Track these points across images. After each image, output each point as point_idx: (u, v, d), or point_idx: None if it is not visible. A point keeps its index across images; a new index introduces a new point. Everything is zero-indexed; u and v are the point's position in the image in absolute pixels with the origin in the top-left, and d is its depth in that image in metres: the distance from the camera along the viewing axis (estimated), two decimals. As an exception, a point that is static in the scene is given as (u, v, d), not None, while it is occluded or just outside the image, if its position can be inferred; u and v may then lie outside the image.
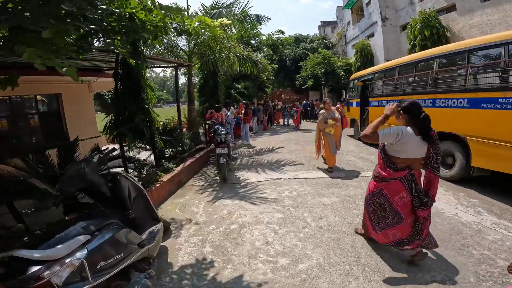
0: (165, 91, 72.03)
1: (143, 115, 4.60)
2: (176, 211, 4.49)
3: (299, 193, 4.98)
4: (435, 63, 5.62)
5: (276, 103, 17.79)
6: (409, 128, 2.53)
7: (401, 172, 2.57)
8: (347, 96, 11.73)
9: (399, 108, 2.61)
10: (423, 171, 2.69)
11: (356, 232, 3.40)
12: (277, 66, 21.76)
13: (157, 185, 4.72)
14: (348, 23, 24.99)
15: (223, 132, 6.27)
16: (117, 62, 4.58)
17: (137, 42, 3.95)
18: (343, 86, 20.28)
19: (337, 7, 37.55)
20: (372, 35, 19.15)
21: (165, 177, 5.10)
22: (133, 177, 2.84)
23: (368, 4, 19.19)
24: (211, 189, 5.47)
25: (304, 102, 20.01)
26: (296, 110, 15.24)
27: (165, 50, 9.13)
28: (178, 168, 5.80)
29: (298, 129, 14.39)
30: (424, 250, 2.69)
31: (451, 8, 12.61)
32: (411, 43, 12.76)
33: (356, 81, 10.51)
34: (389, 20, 17.51)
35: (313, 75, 21.27)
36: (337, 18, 34.73)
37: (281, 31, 18.99)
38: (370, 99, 8.94)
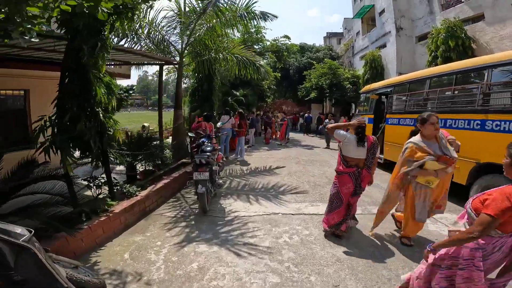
0: (165, 95, 71.18)
1: (90, 121, 3.35)
2: (125, 256, 3.22)
3: (302, 238, 3.71)
4: (486, 74, 4.46)
5: (276, 114, 16.62)
6: (353, 136, 3.49)
7: (351, 168, 3.49)
8: (357, 110, 10.59)
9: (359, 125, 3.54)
10: None
11: (325, 229, 3.89)
12: (279, 74, 20.77)
13: (103, 218, 3.45)
14: (357, 33, 24.18)
15: (208, 149, 5.04)
16: (69, 51, 3.38)
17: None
18: (348, 99, 19.25)
19: (344, 18, 37.32)
20: (384, 46, 18.23)
21: (119, 207, 3.82)
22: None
23: (381, 13, 18.36)
24: (183, 224, 4.19)
25: (306, 115, 18.92)
26: (281, 124, 13.96)
27: (154, 46, 7.95)
28: (144, 193, 4.53)
29: (283, 145, 13.16)
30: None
31: (477, 18, 11.67)
32: (432, 54, 11.75)
33: (370, 94, 9.38)
34: (404, 30, 16.60)
35: (317, 86, 20.25)
36: (345, 28, 34.23)
37: (287, 37, 18.02)
38: (387, 116, 7.77)
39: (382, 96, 9.14)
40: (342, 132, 3.55)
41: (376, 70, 17.09)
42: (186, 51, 8.49)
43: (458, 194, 4.95)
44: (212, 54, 8.36)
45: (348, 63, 25.25)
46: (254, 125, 14.14)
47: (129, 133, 6.67)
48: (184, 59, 8.50)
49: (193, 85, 10.54)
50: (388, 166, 7.94)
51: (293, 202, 5.14)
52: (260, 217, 4.45)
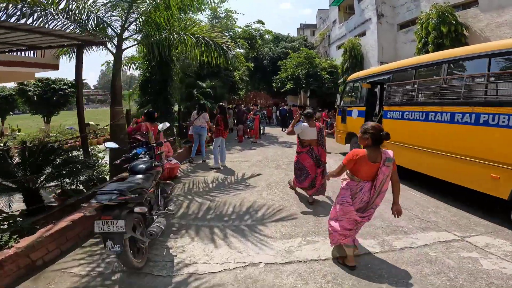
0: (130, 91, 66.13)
1: None
2: None
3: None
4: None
5: (250, 107, 14.89)
6: (305, 123, 4.69)
7: (306, 148, 4.73)
8: (341, 102, 9.21)
9: (302, 114, 4.92)
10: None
11: (289, 187, 5.45)
12: (252, 65, 19.06)
13: None
14: (334, 22, 23.13)
15: (140, 166, 3.34)
16: None
17: None
18: (326, 90, 18.09)
19: (318, 9, 36.35)
20: (363, 34, 17.20)
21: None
22: None
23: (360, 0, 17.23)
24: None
25: (281, 107, 17.39)
26: (253, 118, 12.30)
27: (76, 25, 5.82)
28: (25, 242, 2.69)
29: (256, 143, 11.58)
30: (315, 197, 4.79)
31: (468, 5, 10.78)
32: (422, 41, 10.69)
33: (359, 83, 8.01)
34: (385, 18, 15.61)
35: (293, 76, 18.86)
36: (320, 18, 33.24)
37: (260, 22, 16.17)
38: (385, 108, 6.41)
39: (379, 85, 7.83)
40: (298, 126, 4.67)
41: (355, 59, 16.00)
42: (127, 32, 6.54)
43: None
44: (165, 35, 6.48)
45: (324, 53, 24.15)
46: (241, 121, 12.36)
47: (29, 142, 4.61)
48: (126, 42, 6.54)
49: (143, 75, 8.50)
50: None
51: (279, 239, 3.54)
52: (231, 274, 2.81)
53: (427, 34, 10.39)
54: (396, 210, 2.77)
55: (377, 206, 2.81)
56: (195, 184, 5.84)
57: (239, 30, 15.79)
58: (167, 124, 4.40)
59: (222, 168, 7.07)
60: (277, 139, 12.70)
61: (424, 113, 5.20)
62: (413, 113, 5.48)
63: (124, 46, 6.48)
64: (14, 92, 19.89)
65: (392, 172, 2.68)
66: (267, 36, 18.86)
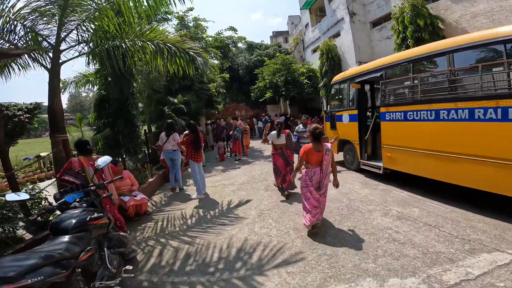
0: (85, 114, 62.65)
1: None
2: None
3: None
4: None
5: (229, 121, 13.93)
6: (274, 132, 5.73)
7: (278, 150, 5.75)
8: (327, 107, 8.52)
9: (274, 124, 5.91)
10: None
11: (275, 185, 6.17)
12: (228, 75, 18.30)
13: None
14: (306, 25, 22.97)
15: (67, 220, 2.43)
16: None
17: None
18: (306, 96, 17.57)
19: (288, 16, 36.59)
20: (338, 34, 16.94)
21: None
22: None
23: (331, 0, 17.05)
24: None
25: (263, 118, 16.59)
26: (244, 130, 11.13)
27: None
28: None
29: (240, 160, 10.54)
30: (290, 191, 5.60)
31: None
32: (400, 36, 10.34)
33: (346, 84, 7.35)
34: (358, 16, 15.42)
35: (271, 84, 18.25)
36: (292, 23, 33.33)
37: (232, 29, 15.42)
38: (382, 110, 5.72)
39: (370, 84, 7.24)
40: (270, 135, 5.84)
41: (333, 60, 15.62)
42: (66, 43, 5.50)
43: None
44: (115, 43, 5.51)
45: (300, 58, 23.88)
46: (220, 137, 11.31)
47: None
48: (66, 55, 5.49)
49: (98, 94, 7.37)
50: (391, 177, 5.90)
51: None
52: None
53: (404, 28, 10.07)
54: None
55: (326, 185, 3.91)
56: (170, 221, 4.77)
57: (210, 39, 14.99)
58: (108, 159, 3.33)
59: (203, 196, 6.03)
60: (261, 153, 11.77)
61: (434, 112, 4.51)
62: (419, 112, 4.79)
63: (63, 59, 5.41)
64: None
65: (331, 158, 3.85)
66: (240, 44, 18.21)
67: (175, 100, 10.65)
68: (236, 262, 3.32)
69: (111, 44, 5.56)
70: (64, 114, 5.64)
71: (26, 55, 5.55)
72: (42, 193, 4.09)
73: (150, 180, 6.94)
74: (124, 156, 7.37)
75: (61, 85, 9.12)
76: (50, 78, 5.36)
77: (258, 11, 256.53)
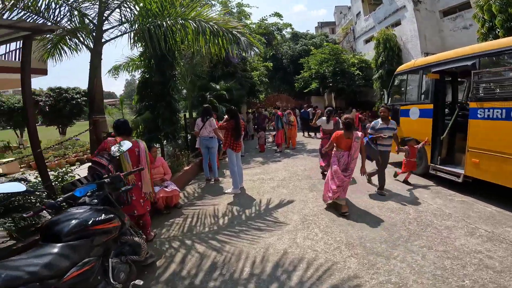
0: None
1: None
2: None
3: None
4: None
5: (269, 112, 13.14)
6: (324, 118, 6.35)
7: (327, 135, 5.98)
8: (388, 99, 7.28)
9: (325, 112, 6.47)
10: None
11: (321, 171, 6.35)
12: (271, 65, 17.40)
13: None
14: (358, 14, 21.21)
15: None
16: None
17: None
18: (356, 88, 16.04)
19: (335, 6, 34.32)
20: (397, 23, 15.16)
21: None
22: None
23: (390, -14, 15.24)
24: None
25: (303, 109, 15.40)
26: (290, 121, 10.10)
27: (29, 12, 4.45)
28: None
29: (281, 152, 9.65)
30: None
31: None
32: (485, 26, 8.58)
33: (417, 74, 6.10)
34: (423, 4, 13.57)
35: (317, 75, 16.99)
36: (340, 13, 31.24)
37: (278, 15, 14.39)
38: (472, 105, 4.49)
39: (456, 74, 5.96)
40: (320, 119, 6.45)
41: (391, 51, 13.92)
42: (108, 23, 5.12)
43: None
44: (157, 22, 5.02)
45: (350, 49, 22.07)
46: (261, 126, 10.61)
47: None
48: (107, 33, 5.12)
49: (142, 76, 7.06)
50: (469, 187, 4.69)
51: None
52: None
53: (491, 17, 8.28)
54: (363, 171, 4.43)
55: (352, 169, 4.22)
56: (200, 219, 4.19)
57: (254, 26, 14.15)
58: (126, 145, 2.74)
59: (239, 191, 5.37)
60: (304, 147, 10.83)
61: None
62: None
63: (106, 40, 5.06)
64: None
65: (360, 146, 4.20)
66: (286, 31, 17.05)
67: (217, 87, 10.13)
68: (271, 283, 2.62)
69: (152, 22, 5.08)
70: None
71: (69, 36, 5.36)
72: (63, 178, 3.70)
73: (186, 168, 6.48)
74: (162, 141, 7.05)
75: (113, 70, 9.24)
76: (92, 58, 5.11)
77: (301, 2, 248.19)
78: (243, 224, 3.91)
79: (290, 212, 4.26)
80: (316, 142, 11.65)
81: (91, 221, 1.93)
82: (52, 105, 17.06)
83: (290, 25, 15.36)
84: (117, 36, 5.34)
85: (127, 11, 5.18)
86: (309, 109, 14.80)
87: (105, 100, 6.35)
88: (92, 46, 5.06)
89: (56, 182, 4.19)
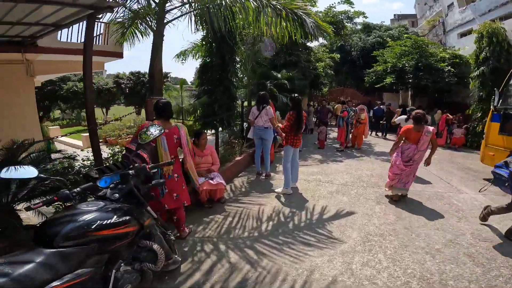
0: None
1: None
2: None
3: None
4: None
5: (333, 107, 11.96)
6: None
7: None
8: (498, 101, 5.69)
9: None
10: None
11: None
12: (338, 56, 15.97)
13: None
14: (450, 6, 18.61)
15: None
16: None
17: None
18: (446, 86, 13.64)
19: (418, -4, 29.96)
20: (508, 17, 12.48)
21: None
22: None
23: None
24: None
25: (376, 107, 13.74)
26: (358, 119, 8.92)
27: None
28: None
29: (343, 151, 8.55)
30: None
31: None
32: None
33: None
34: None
35: (394, 69, 14.98)
36: (426, 4, 27.34)
37: (348, 1, 12.87)
38: None
39: None
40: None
41: (500, 46, 11.31)
42: (169, 4, 4.95)
43: None
44: (216, 1, 4.65)
45: (438, 43, 19.11)
46: (324, 121, 9.72)
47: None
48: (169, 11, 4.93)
49: (203, 60, 6.84)
50: None
51: None
52: None
53: None
54: (427, 162, 4.39)
55: (417, 160, 4.27)
56: (241, 220, 3.69)
57: (320, 14, 12.93)
58: (153, 130, 2.31)
59: (291, 192, 4.73)
60: (371, 148, 9.54)
61: None
62: None
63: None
64: (114, 85, 21.82)
65: (432, 139, 4.24)
66: (357, 21, 15.28)
67: (279, 75, 9.52)
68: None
69: (212, 1, 4.71)
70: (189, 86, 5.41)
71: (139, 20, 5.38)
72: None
73: (238, 158, 6.08)
74: (218, 127, 6.84)
75: (181, 56, 9.40)
76: (154, 38, 5.02)
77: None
78: (288, 235, 3.27)
79: (348, 227, 3.47)
80: (385, 144, 10.19)
81: (95, 225, 1.55)
82: (131, 88, 19.07)
83: (363, 13, 13.71)
84: (178, 16, 5.15)
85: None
86: (382, 106, 13.13)
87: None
88: (154, 27, 4.96)
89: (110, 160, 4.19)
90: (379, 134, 12.67)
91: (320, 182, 5.36)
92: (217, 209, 4.02)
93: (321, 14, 12.63)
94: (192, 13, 4.97)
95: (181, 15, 5.13)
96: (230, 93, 6.70)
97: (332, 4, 13.04)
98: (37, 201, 2.30)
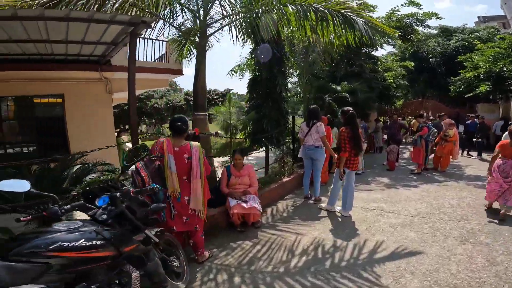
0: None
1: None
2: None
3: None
4: None
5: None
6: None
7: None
8: None
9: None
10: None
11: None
12: (412, 64, 14.16)
13: None
14: None
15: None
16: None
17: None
18: None
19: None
20: None
21: None
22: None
23: None
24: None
25: (469, 120, 11.43)
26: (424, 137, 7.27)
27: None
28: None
29: (420, 174, 7.07)
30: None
31: None
32: None
33: None
34: None
35: (490, 74, 12.51)
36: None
37: (414, 3, 11.30)
38: None
39: None
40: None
41: None
42: (214, 12, 4.93)
43: None
44: (254, 10, 4.48)
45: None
46: (395, 139, 8.43)
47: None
48: (212, 24, 4.94)
49: (253, 74, 6.71)
50: None
51: None
52: None
53: None
54: None
55: None
56: (270, 251, 3.13)
57: (382, 20, 11.65)
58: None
59: (338, 215, 3.96)
60: (461, 171, 7.66)
61: None
62: None
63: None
64: (185, 102, 24.25)
65: None
66: (430, 24, 13.44)
67: (338, 88, 8.76)
68: None
69: (250, 11, 4.57)
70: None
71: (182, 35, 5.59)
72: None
73: (285, 179, 5.55)
74: (266, 144, 6.52)
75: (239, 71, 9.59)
76: (197, 53, 5.11)
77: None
78: (321, 275, 2.58)
79: (407, 273, 2.58)
80: (480, 165, 8.20)
81: (54, 246, 1.48)
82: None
83: (436, 14, 11.87)
84: (218, 29, 5.14)
85: (227, 3, 4.84)
86: (476, 120, 10.89)
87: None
88: (197, 41, 5.03)
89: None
90: (472, 153, 10.42)
91: (382, 212, 4.39)
92: (249, 234, 3.58)
93: (383, 20, 11.47)
94: (232, 25, 4.89)
95: (221, 28, 5.10)
96: (279, 107, 6.39)
97: (395, 7, 11.71)
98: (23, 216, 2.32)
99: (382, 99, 11.95)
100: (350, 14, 4.37)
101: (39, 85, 6.29)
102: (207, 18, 4.92)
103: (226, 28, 5.11)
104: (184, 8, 4.87)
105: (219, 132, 9.39)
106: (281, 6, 4.35)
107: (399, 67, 11.93)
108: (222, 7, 4.85)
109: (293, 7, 4.27)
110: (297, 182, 5.89)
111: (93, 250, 1.60)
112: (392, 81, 11.26)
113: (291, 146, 6.81)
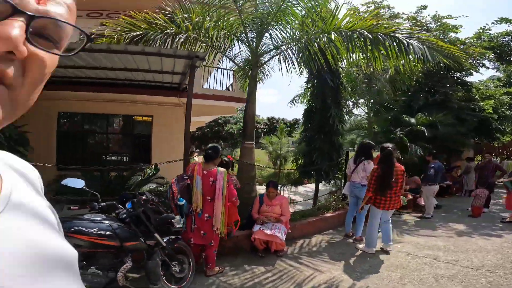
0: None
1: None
2: None
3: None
4: None
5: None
6: None
7: None
8: None
9: None
10: None
11: None
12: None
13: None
14: None
15: None
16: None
17: None
18: None
19: None
20: None
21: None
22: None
23: None
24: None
25: None
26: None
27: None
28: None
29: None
30: None
31: None
32: None
33: None
34: None
35: None
36: None
37: (506, 20, 9.35)
38: None
39: None
40: None
41: None
42: (265, 46, 5.31)
43: None
44: (305, 40, 4.74)
45: None
46: (487, 182, 7.11)
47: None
48: (262, 57, 5.35)
49: (309, 105, 6.79)
50: None
51: None
52: None
53: None
54: None
55: None
56: (279, 280, 3.10)
57: (471, 40, 9.96)
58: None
59: (376, 259, 3.58)
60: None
61: None
62: None
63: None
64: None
65: None
66: None
67: (412, 120, 7.90)
68: None
69: (294, 41, 4.84)
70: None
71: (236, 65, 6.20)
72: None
73: (328, 214, 5.31)
74: (315, 177, 6.39)
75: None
76: (249, 83, 5.56)
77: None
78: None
79: None
80: None
81: (75, 228, 2.06)
82: (265, 132, 22.57)
83: None
84: (268, 60, 5.48)
85: (275, 35, 5.19)
86: None
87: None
88: (249, 72, 5.48)
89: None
90: None
91: (433, 261, 3.74)
92: (266, 261, 3.61)
93: (472, 40, 9.96)
94: (280, 55, 5.19)
95: (271, 58, 5.42)
96: (331, 141, 6.22)
97: (484, 26, 10.04)
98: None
99: (480, 134, 10.13)
100: (399, 35, 4.17)
101: (137, 106, 7.67)
102: (258, 49, 5.34)
103: (277, 58, 5.45)
104: (238, 40, 5.43)
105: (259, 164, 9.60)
106: (327, 34, 4.41)
107: (503, 93, 9.99)
108: (272, 39, 5.23)
109: (335, 34, 4.30)
110: (343, 218, 5.54)
111: (102, 238, 2.11)
112: (491, 111, 9.49)
113: (341, 182, 6.49)
